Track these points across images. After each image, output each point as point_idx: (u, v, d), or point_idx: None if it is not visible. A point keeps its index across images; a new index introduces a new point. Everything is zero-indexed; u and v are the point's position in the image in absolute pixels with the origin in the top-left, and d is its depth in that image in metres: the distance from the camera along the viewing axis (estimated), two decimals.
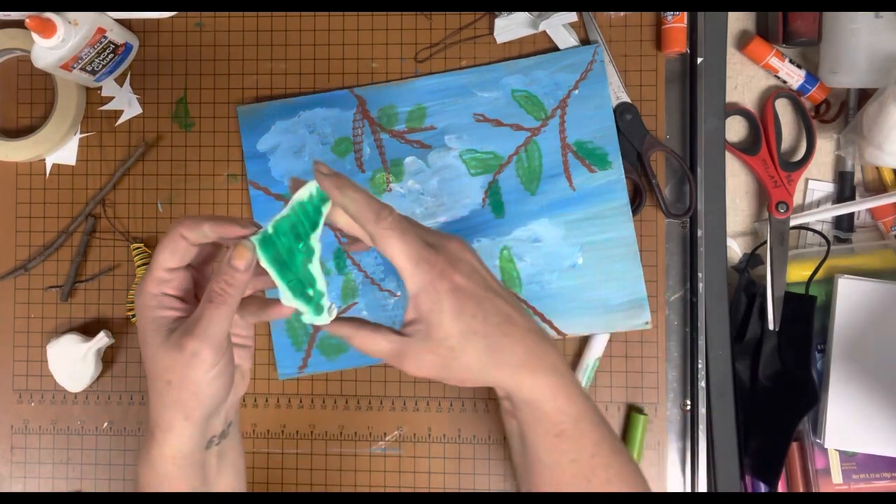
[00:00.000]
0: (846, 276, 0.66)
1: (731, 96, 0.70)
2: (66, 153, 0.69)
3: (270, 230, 0.44)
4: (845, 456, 0.68)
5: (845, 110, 0.70)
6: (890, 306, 0.66)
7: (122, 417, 0.68)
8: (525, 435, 0.48)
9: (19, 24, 0.68)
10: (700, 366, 0.64)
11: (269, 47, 0.68)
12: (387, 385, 0.67)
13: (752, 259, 0.69)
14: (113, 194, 0.69)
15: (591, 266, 0.65)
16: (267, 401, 0.67)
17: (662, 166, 0.66)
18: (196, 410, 0.44)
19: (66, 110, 0.67)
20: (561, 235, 0.65)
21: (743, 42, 0.69)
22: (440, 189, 0.66)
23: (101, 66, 0.65)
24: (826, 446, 0.67)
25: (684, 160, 0.66)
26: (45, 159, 0.69)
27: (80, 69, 0.63)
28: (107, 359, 0.68)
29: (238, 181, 0.68)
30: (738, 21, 0.70)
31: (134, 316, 0.66)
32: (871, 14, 0.63)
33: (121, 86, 0.69)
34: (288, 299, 0.45)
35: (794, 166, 0.69)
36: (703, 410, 0.64)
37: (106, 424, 0.68)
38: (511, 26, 0.66)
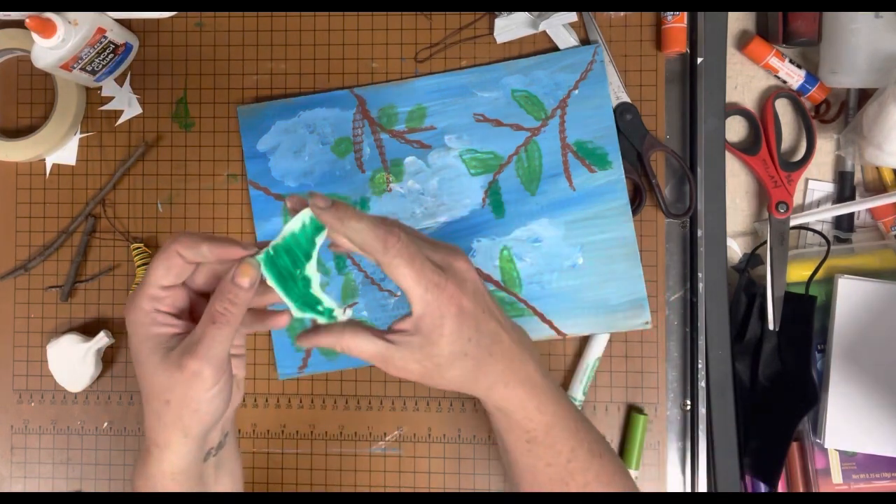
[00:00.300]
0: (846, 276, 0.66)
1: (731, 96, 0.70)
2: (66, 153, 0.69)
3: (272, 251, 0.44)
4: (845, 456, 0.68)
5: (845, 110, 0.70)
6: (890, 306, 0.66)
7: (122, 417, 0.68)
8: (502, 437, 0.50)
9: (19, 24, 0.68)
10: (700, 366, 0.64)
11: (269, 47, 0.68)
12: (387, 385, 0.67)
13: (752, 259, 0.69)
14: (113, 194, 0.69)
15: (591, 266, 0.65)
16: (267, 401, 0.67)
17: (662, 166, 0.66)
18: (195, 428, 0.44)
19: (66, 110, 0.67)
20: (561, 235, 0.65)
21: (743, 42, 0.69)
22: (440, 189, 0.66)
23: (101, 66, 0.65)
24: (826, 446, 0.67)
25: (684, 160, 0.66)
26: (45, 159, 0.69)
27: (80, 69, 0.63)
28: (107, 359, 0.68)
29: (238, 181, 0.68)
30: (738, 21, 0.70)
31: None
32: (871, 14, 0.63)
33: (121, 86, 0.69)
34: (298, 313, 0.45)
35: (794, 166, 0.69)
36: (703, 410, 0.64)
37: (106, 424, 0.68)
38: (511, 26, 0.66)
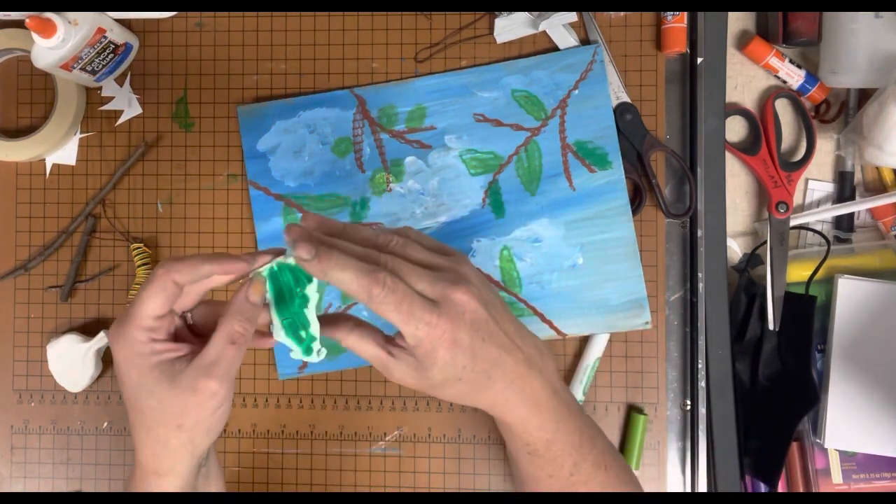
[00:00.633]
0: (846, 276, 0.66)
1: (731, 96, 0.70)
2: (66, 153, 0.69)
3: (276, 267, 0.44)
4: (845, 456, 0.68)
5: (845, 110, 0.70)
6: (890, 306, 0.66)
7: (122, 417, 0.68)
8: (507, 444, 0.51)
9: (19, 24, 0.68)
10: (700, 366, 0.64)
11: (269, 47, 0.68)
12: (387, 385, 0.67)
13: (752, 259, 0.69)
14: (113, 194, 0.69)
15: (591, 266, 0.65)
16: (267, 401, 0.67)
17: (662, 166, 0.66)
18: (203, 447, 0.45)
19: (66, 110, 0.67)
20: (561, 235, 0.65)
21: (743, 42, 0.69)
22: (440, 189, 0.66)
23: (101, 66, 0.65)
24: (826, 446, 0.67)
25: (684, 160, 0.66)
26: (45, 159, 0.69)
27: (80, 69, 0.63)
28: (107, 359, 0.68)
29: (238, 181, 0.68)
30: (738, 21, 0.70)
31: None
32: (871, 14, 0.63)
33: (121, 86, 0.69)
34: (280, 336, 0.45)
35: (794, 166, 0.69)
36: (703, 410, 0.64)
37: (106, 424, 0.68)
38: (511, 26, 0.66)
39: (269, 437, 0.67)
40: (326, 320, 0.46)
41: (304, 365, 0.66)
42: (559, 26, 0.66)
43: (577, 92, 0.66)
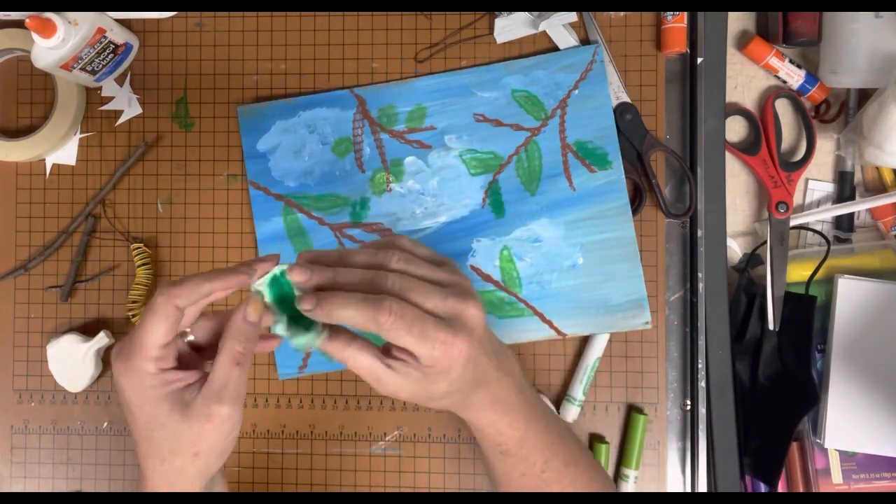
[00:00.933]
0: (846, 276, 0.66)
1: (731, 96, 0.70)
2: (66, 153, 0.69)
3: (278, 272, 0.44)
4: (845, 456, 0.68)
5: (845, 110, 0.70)
6: (890, 306, 0.66)
7: (121, 417, 0.68)
8: (479, 444, 0.51)
9: (19, 24, 0.68)
10: (700, 366, 0.64)
11: (269, 47, 0.68)
12: None
13: (752, 259, 0.69)
14: (113, 194, 0.69)
15: (591, 266, 0.65)
16: (267, 401, 0.67)
17: (662, 166, 0.66)
18: (216, 467, 0.45)
19: (66, 110, 0.67)
20: (561, 235, 0.65)
21: (743, 42, 0.69)
22: (440, 189, 0.66)
23: (101, 66, 0.65)
24: (826, 446, 0.67)
25: (684, 160, 0.66)
26: (45, 159, 0.69)
27: (80, 69, 0.63)
28: (107, 359, 0.68)
29: (238, 181, 0.68)
30: (738, 21, 0.70)
31: (135, 316, 0.66)
32: (871, 14, 0.63)
33: (121, 86, 0.69)
34: (283, 331, 0.44)
35: (794, 166, 0.69)
36: (703, 410, 0.64)
37: (106, 424, 0.68)
38: (511, 26, 0.66)
39: (269, 437, 0.67)
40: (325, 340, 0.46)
41: (304, 365, 0.66)
42: (559, 26, 0.66)
43: (577, 92, 0.66)
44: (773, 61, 0.68)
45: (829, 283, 0.68)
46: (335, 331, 0.44)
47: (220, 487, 0.50)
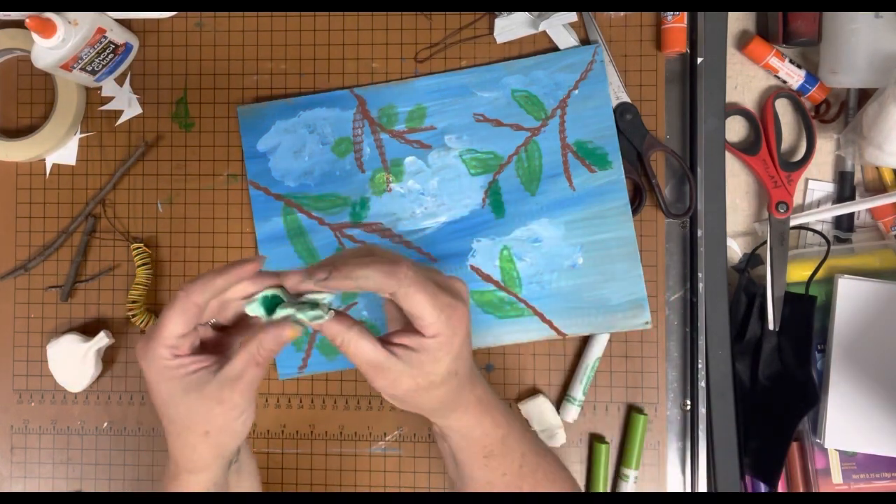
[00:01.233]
0: (846, 276, 0.66)
1: (731, 96, 0.70)
2: (66, 153, 0.69)
3: (269, 294, 0.45)
4: (845, 456, 0.68)
5: (845, 110, 0.70)
6: (890, 306, 0.66)
7: (122, 417, 0.68)
8: (456, 456, 0.51)
9: (19, 24, 0.68)
10: (700, 366, 0.64)
11: (269, 47, 0.68)
12: None
13: (752, 259, 0.69)
14: (113, 194, 0.69)
15: (591, 266, 0.65)
16: (267, 401, 0.67)
17: (662, 166, 0.66)
18: (230, 447, 0.47)
19: (66, 110, 0.67)
20: (561, 235, 0.65)
21: (743, 42, 0.69)
22: (440, 189, 0.66)
23: (101, 66, 0.65)
24: (826, 446, 0.67)
25: (684, 160, 0.66)
26: (45, 159, 0.69)
27: (80, 69, 0.63)
28: (107, 359, 0.68)
29: (238, 181, 0.68)
30: (738, 21, 0.70)
31: (135, 316, 0.66)
32: (871, 14, 0.63)
33: (121, 86, 0.69)
34: (288, 311, 0.45)
35: (794, 166, 0.69)
36: (703, 410, 0.64)
37: (106, 424, 0.68)
38: (511, 26, 0.66)
39: (269, 437, 0.67)
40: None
41: (304, 365, 0.66)
42: (559, 26, 0.66)
43: (577, 92, 0.66)
44: (773, 61, 0.68)
45: (829, 283, 0.68)
46: (338, 314, 0.45)
47: (248, 471, 0.54)
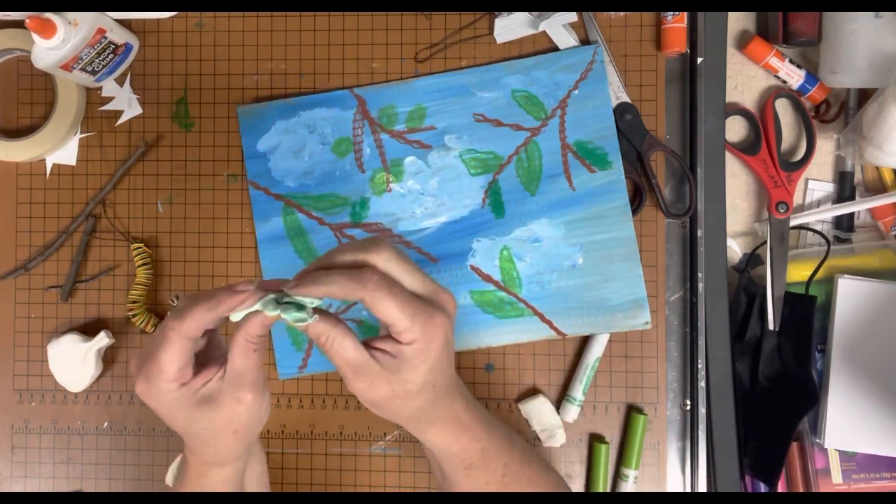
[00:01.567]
0: (846, 276, 0.66)
1: (731, 96, 0.70)
2: (66, 153, 0.69)
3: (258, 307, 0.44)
4: (845, 456, 0.68)
5: (845, 110, 0.70)
6: (890, 306, 0.66)
7: (122, 417, 0.68)
8: (440, 467, 0.52)
9: (19, 24, 0.68)
10: (700, 366, 0.64)
11: (269, 47, 0.68)
12: None
13: (752, 259, 0.69)
14: (113, 194, 0.69)
15: (591, 266, 0.65)
16: None
17: (662, 166, 0.66)
18: (256, 433, 0.49)
19: (66, 110, 0.67)
20: (561, 235, 0.65)
21: (743, 42, 0.69)
22: (440, 189, 0.66)
23: (101, 66, 0.65)
24: (826, 446, 0.67)
25: (684, 160, 0.66)
26: (45, 159, 0.69)
27: (80, 69, 0.63)
28: (107, 359, 0.68)
29: (238, 181, 0.68)
30: (738, 21, 0.70)
31: (135, 316, 0.66)
32: (871, 14, 0.63)
33: (121, 86, 0.69)
34: (274, 310, 0.44)
35: (794, 166, 0.69)
36: (703, 410, 0.64)
37: (106, 424, 0.68)
38: (511, 26, 0.66)
39: (270, 437, 0.67)
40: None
41: (304, 365, 0.66)
42: (559, 26, 0.66)
43: (577, 92, 0.66)
44: (773, 61, 0.68)
45: (829, 283, 0.68)
46: (324, 314, 0.44)
47: (256, 451, 0.57)
